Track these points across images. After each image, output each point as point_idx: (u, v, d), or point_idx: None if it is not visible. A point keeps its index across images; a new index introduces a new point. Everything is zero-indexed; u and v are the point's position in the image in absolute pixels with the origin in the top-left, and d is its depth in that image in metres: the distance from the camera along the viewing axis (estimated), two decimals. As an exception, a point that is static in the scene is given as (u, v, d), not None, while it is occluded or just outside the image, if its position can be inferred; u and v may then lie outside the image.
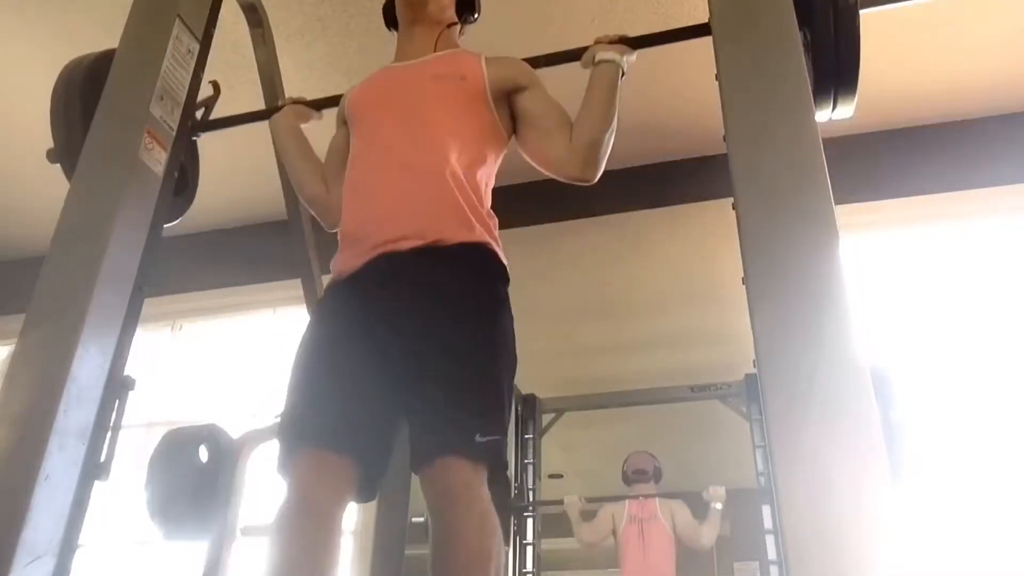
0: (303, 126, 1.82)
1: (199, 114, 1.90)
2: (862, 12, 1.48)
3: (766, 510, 3.13)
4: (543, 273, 3.52)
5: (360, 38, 2.93)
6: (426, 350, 1.27)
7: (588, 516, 3.53)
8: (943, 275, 3.31)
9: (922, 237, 3.40)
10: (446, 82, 1.52)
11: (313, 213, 1.73)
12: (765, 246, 1.18)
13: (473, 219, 1.41)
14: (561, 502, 3.44)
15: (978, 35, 2.94)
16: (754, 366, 1.10)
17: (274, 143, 1.81)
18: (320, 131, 1.83)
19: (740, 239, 1.21)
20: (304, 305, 2.43)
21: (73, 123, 1.78)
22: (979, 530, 2.90)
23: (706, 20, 1.48)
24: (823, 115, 1.53)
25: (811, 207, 1.18)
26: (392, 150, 1.47)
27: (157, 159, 1.68)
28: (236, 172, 3.45)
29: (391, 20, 1.75)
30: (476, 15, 1.76)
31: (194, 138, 1.91)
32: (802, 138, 1.25)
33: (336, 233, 1.55)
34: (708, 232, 3.32)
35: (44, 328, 1.46)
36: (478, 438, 1.20)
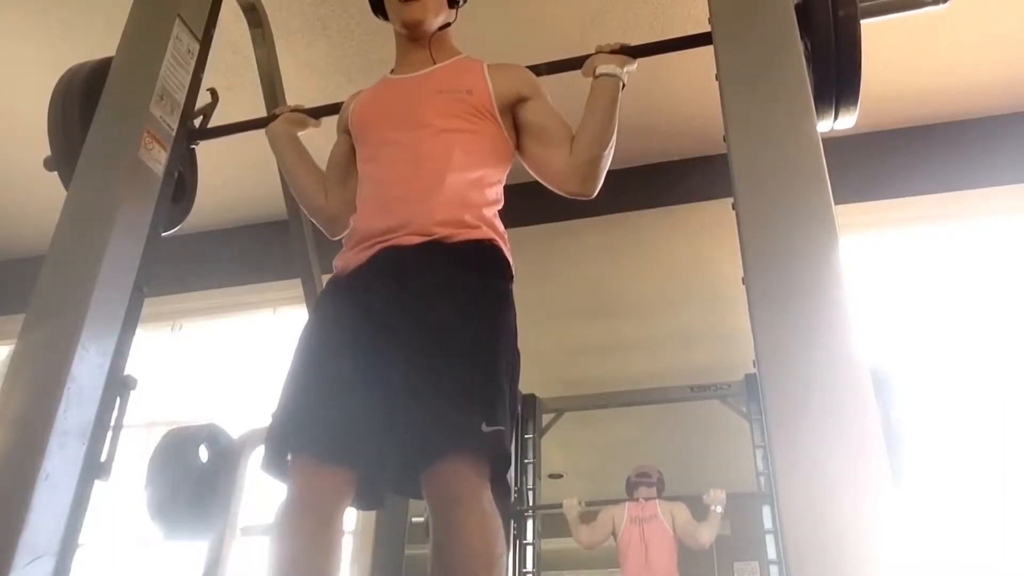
0: (300, 134, 1.81)
1: (197, 122, 1.89)
2: (863, 22, 1.47)
3: (766, 510, 3.14)
4: (543, 273, 3.52)
5: (360, 38, 2.93)
6: (425, 343, 1.26)
7: (587, 518, 3.54)
8: (943, 275, 3.31)
9: (922, 237, 3.40)
10: (452, 96, 1.52)
11: (317, 224, 1.72)
12: (765, 246, 1.18)
13: (478, 220, 1.41)
14: (560, 505, 3.45)
15: (978, 35, 2.93)
16: (754, 366, 1.10)
17: (273, 151, 1.80)
18: (320, 136, 1.83)
19: (740, 239, 1.20)
20: (304, 305, 2.43)
21: (71, 131, 1.77)
22: (979, 530, 2.90)
23: (706, 22, 1.48)
24: (825, 125, 1.53)
25: (811, 207, 1.18)
26: (399, 163, 1.48)
27: (157, 159, 1.68)
28: (236, 172, 3.46)
29: (378, 7, 1.69)
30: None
31: (192, 146, 1.89)
32: (802, 138, 1.25)
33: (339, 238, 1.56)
34: (708, 232, 3.33)
35: (44, 328, 1.45)
36: (484, 427, 1.18)
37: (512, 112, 1.57)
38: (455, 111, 1.50)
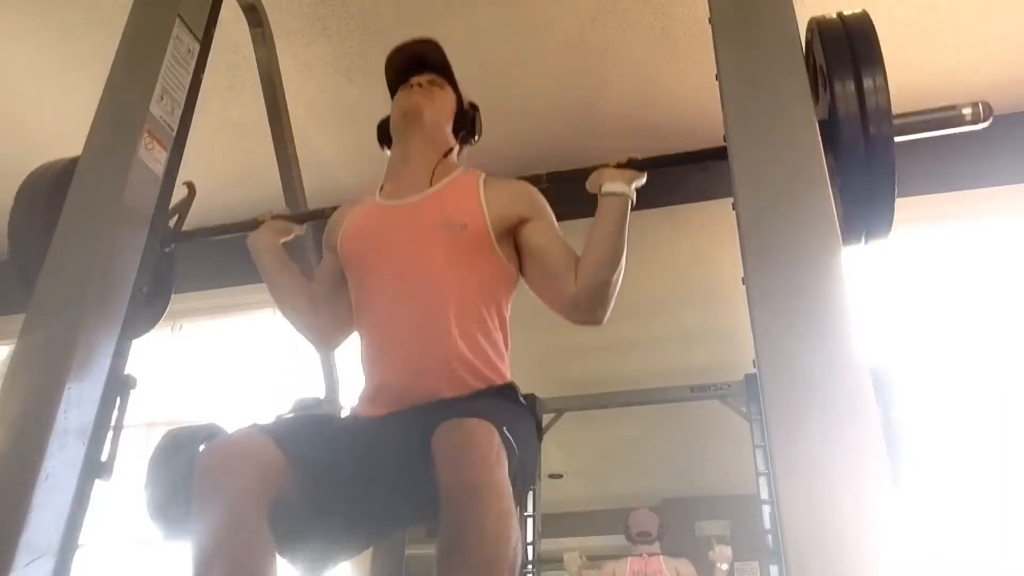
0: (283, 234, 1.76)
1: (173, 221, 1.82)
2: (897, 139, 1.34)
3: (766, 510, 3.14)
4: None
5: (360, 38, 2.92)
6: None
7: (588, 573, 3.58)
8: (944, 275, 3.31)
9: (922, 237, 3.40)
10: (447, 233, 1.44)
11: (306, 339, 1.68)
12: (765, 246, 1.18)
13: (488, 384, 1.39)
14: (561, 560, 3.49)
15: (978, 35, 2.93)
16: (754, 366, 1.10)
17: (255, 263, 1.73)
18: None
19: (740, 239, 1.20)
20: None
21: (33, 239, 1.67)
22: (979, 530, 2.90)
23: (707, 22, 1.47)
24: (853, 249, 1.41)
25: (811, 207, 1.18)
26: (401, 313, 1.42)
27: (157, 159, 1.68)
28: (236, 172, 3.45)
29: (384, 138, 1.69)
30: (476, 137, 1.67)
31: (166, 250, 1.81)
32: (802, 138, 1.25)
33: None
34: (708, 232, 3.32)
35: (44, 328, 1.45)
36: (506, 431, 1.15)
37: (513, 234, 1.50)
38: (451, 251, 1.43)
